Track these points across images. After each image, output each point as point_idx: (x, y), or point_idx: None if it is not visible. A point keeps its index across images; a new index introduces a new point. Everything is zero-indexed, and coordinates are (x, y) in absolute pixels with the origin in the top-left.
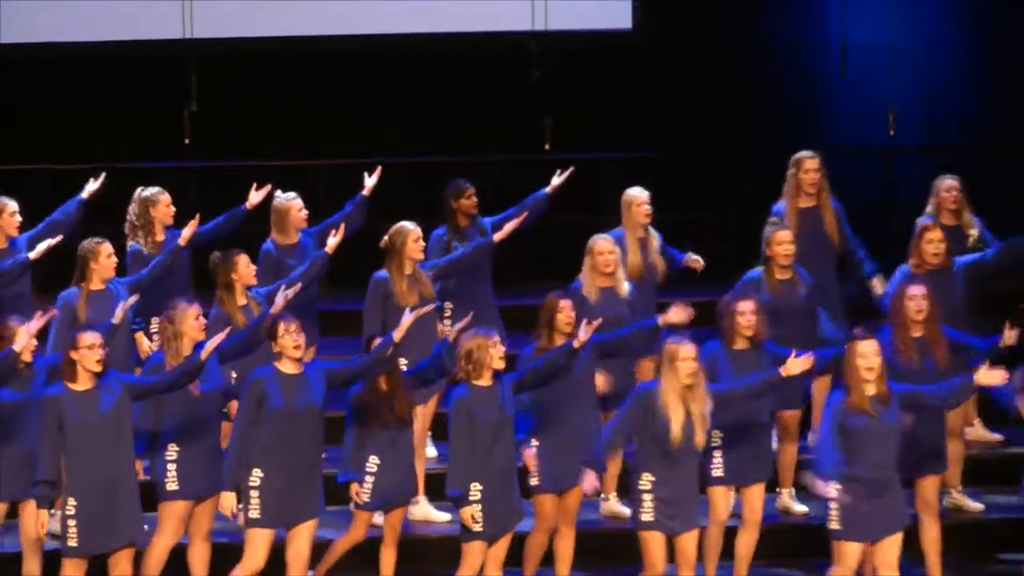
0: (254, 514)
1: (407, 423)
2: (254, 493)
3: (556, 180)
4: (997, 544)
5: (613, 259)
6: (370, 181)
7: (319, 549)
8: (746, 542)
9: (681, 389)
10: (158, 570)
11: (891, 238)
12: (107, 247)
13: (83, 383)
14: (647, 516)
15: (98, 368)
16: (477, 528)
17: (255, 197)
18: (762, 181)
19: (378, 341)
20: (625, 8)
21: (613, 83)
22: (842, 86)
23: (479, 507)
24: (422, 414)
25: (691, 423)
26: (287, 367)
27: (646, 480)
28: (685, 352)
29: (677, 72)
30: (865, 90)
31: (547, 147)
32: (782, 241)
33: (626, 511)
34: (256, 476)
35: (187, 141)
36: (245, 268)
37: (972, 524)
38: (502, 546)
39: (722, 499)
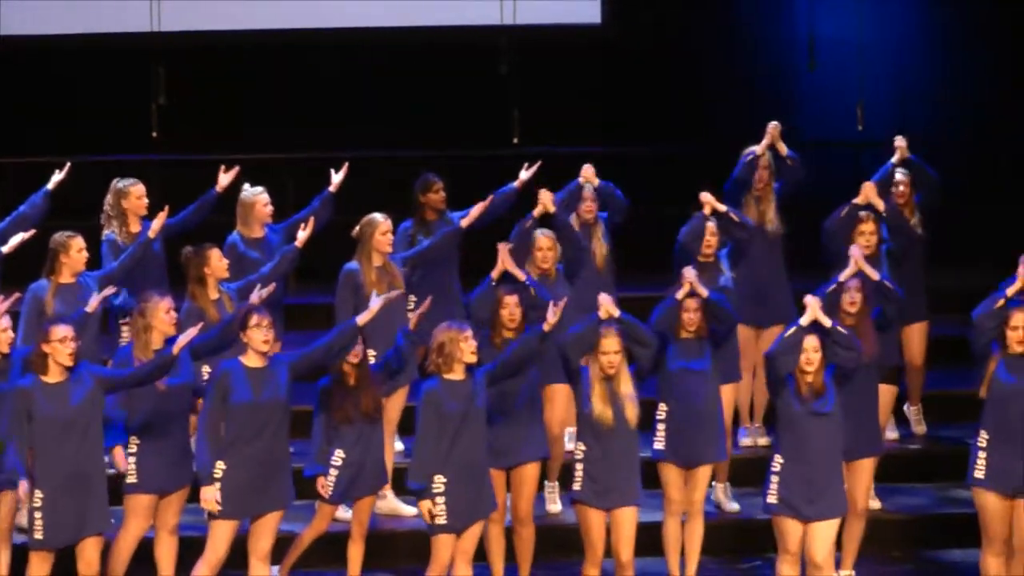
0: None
1: (374, 418)
2: (217, 485)
3: (524, 174)
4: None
5: (551, 255)
6: (337, 177)
7: (286, 543)
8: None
9: (604, 375)
10: (124, 562)
11: None
12: (79, 241)
13: (54, 376)
14: (576, 486)
15: (70, 362)
16: (439, 521)
17: (224, 179)
18: (729, 174)
19: None
20: (594, 3)
21: (582, 77)
22: (810, 81)
23: (441, 500)
24: (390, 408)
25: (619, 404)
26: (252, 361)
27: (578, 449)
28: (607, 345)
29: (646, 66)
30: (833, 85)
31: (516, 141)
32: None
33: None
34: (219, 468)
35: (154, 135)
36: (217, 262)
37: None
38: (470, 539)
39: (674, 482)
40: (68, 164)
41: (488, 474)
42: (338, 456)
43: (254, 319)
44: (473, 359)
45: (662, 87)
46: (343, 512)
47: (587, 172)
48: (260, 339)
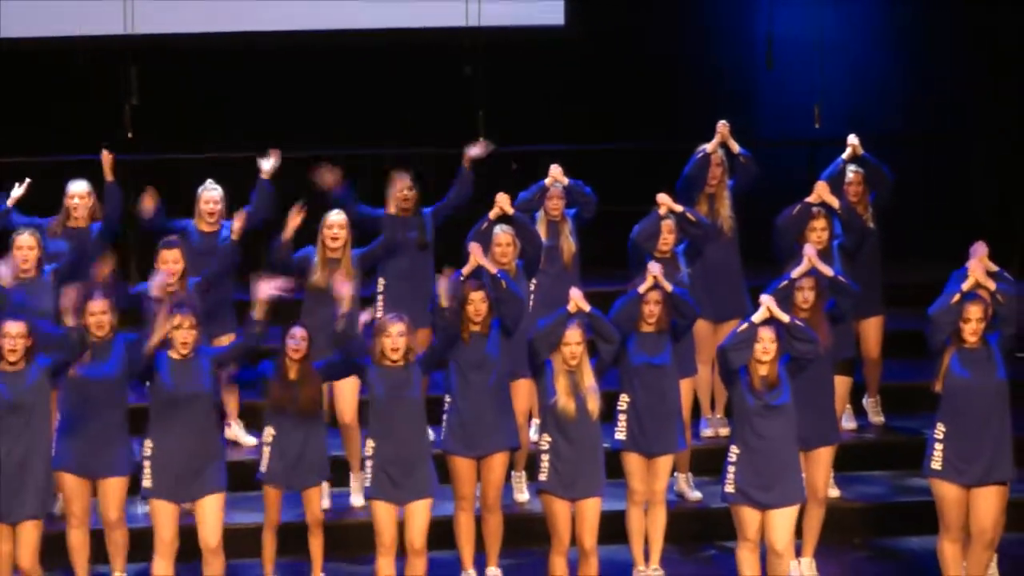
0: (147, 483)
1: (312, 413)
2: (147, 463)
3: (473, 151)
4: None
5: (510, 251)
6: (267, 164)
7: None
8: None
9: (567, 368)
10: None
11: None
12: (26, 238)
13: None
14: (542, 476)
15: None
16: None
17: (266, 165)
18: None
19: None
20: (558, 4)
21: (546, 77)
22: (769, 79)
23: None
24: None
25: (581, 396)
26: (176, 353)
27: (544, 441)
28: (569, 337)
29: (609, 66)
30: (791, 83)
31: (481, 139)
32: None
33: None
34: (147, 447)
35: (129, 135)
36: (170, 260)
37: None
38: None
39: (636, 472)
40: (28, 180)
41: (424, 460)
42: (268, 433)
43: (177, 319)
44: (395, 357)
45: (624, 87)
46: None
47: (555, 172)
48: (180, 340)
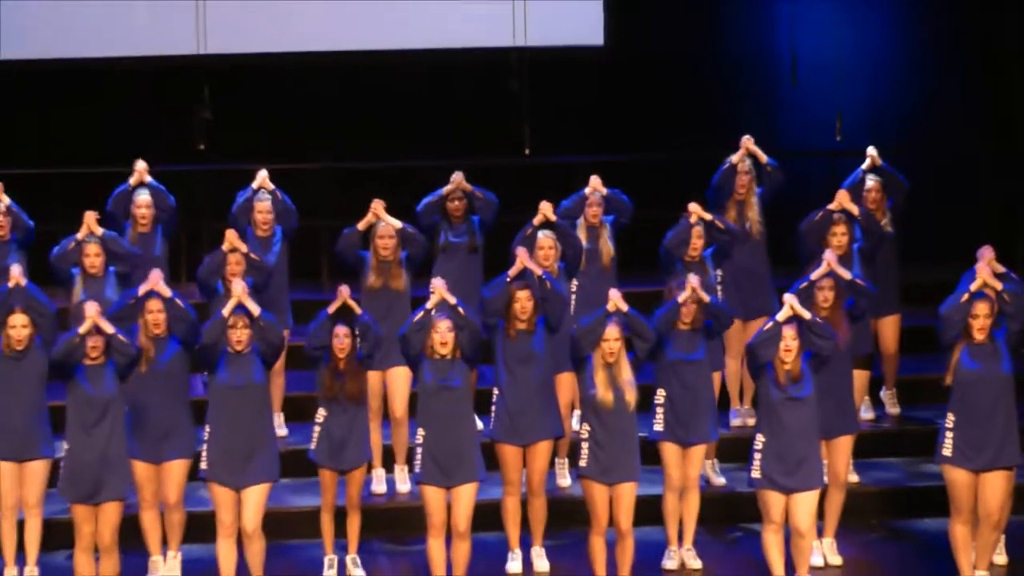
0: (204, 466)
1: (359, 401)
2: (205, 448)
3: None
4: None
5: (552, 254)
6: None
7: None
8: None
9: (606, 362)
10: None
11: None
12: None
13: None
14: (582, 463)
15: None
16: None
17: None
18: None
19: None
20: (597, 26)
21: (586, 93)
22: (793, 95)
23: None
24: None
25: (619, 388)
26: (232, 349)
27: (584, 430)
28: (608, 333)
29: (644, 83)
30: (814, 98)
31: (527, 152)
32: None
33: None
34: (206, 433)
35: (201, 147)
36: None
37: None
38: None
39: (672, 461)
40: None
41: (470, 445)
42: (320, 414)
43: (231, 319)
44: (443, 350)
45: (659, 102)
46: None
47: (595, 182)
48: (234, 338)
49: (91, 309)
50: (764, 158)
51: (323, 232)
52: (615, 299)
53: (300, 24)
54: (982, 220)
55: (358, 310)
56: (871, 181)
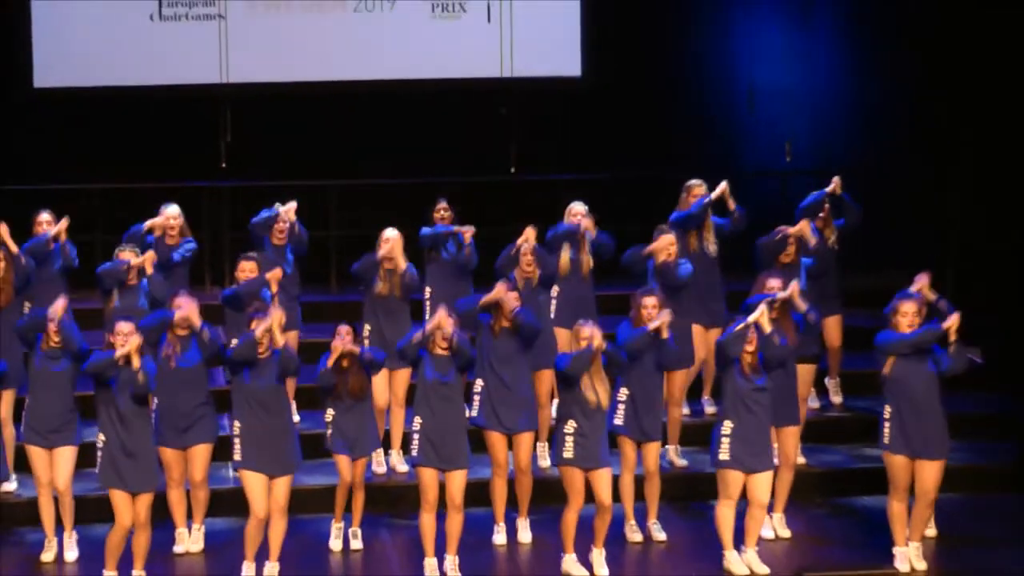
0: (237, 456)
1: (360, 398)
2: (236, 440)
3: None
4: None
5: (531, 269)
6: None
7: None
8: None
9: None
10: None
11: None
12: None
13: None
14: (568, 454)
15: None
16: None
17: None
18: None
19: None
20: (575, 59)
21: (566, 119)
22: (749, 121)
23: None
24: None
25: (596, 389)
26: None
27: (569, 426)
28: (585, 333)
29: (617, 110)
30: (768, 125)
31: (513, 170)
32: (669, 240)
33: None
34: (236, 427)
35: (223, 165)
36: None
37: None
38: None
39: (629, 449)
40: (66, 218)
41: (463, 432)
42: (329, 414)
43: (253, 323)
44: (443, 345)
45: (630, 127)
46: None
47: (587, 223)
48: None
49: (126, 328)
50: (733, 205)
51: (331, 241)
52: (597, 339)
53: (311, 56)
54: (917, 233)
55: (357, 351)
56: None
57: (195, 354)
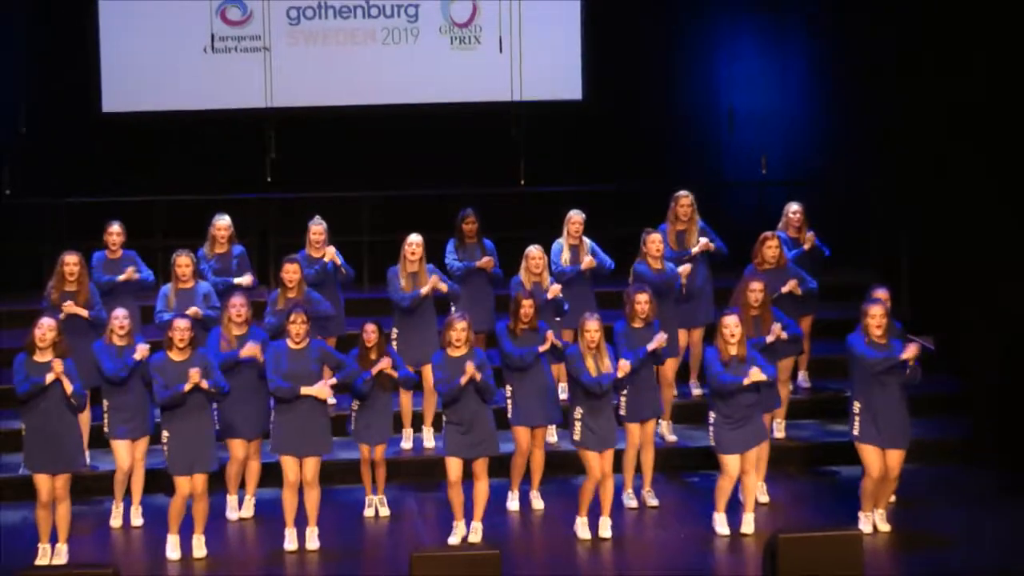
0: (274, 440)
1: (386, 388)
2: (273, 424)
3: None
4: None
5: (541, 263)
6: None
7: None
8: (646, 458)
9: (589, 351)
10: None
11: None
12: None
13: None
14: (577, 437)
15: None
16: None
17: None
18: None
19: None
20: (577, 85)
21: (569, 137)
22: (729, 139)
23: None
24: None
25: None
26: (292, 343)
27: (577, 412)
28: (589, 325)
29: (614, 129)
30: (745, 141)
31: (522, 183)
32: (654, 240)
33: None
34: (274, 412)
35: (269, 179)
36: (291, 271)
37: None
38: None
39: (632, 430)
40: (129, 269)
41: (488, 421)
42: (355, 403)
43: (292, 316)
44: (458, 344)
45: (625, 144)
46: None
47: (587, 262)
48: (294, 332)
49: (183, 324)
50: (713, 246)
51: (363, 245)
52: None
53: (345, 83)
54: (876, 234)
55: (395, 375)
56: (795, 206)
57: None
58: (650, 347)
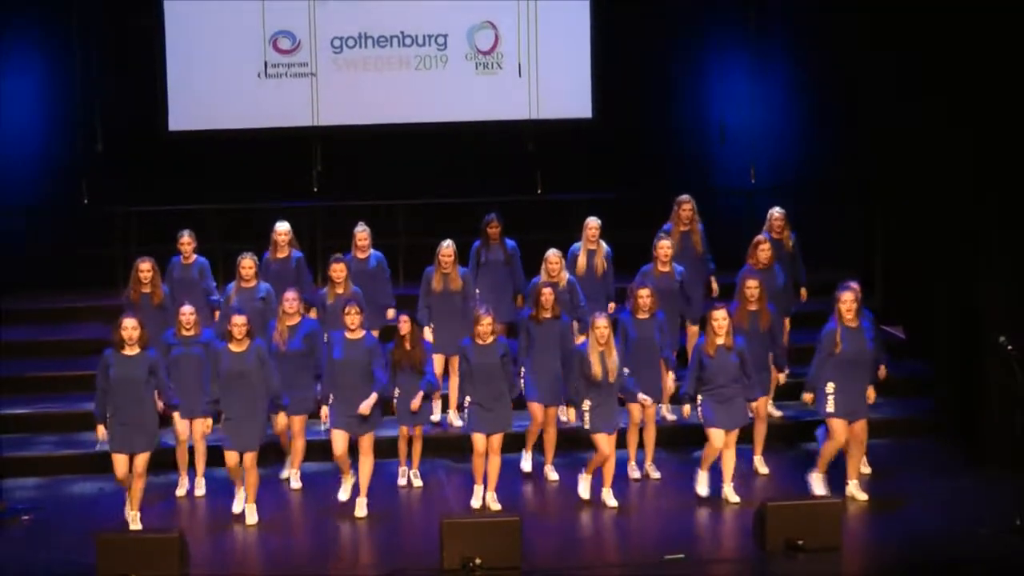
0: (326, 419)
1: (421, 372)
2: (326, 406)
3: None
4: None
5: (558, 265)
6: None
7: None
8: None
9: (599, 345)
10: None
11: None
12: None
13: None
14: (587, 425)
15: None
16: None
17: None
18: (667, 211)
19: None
20: (587, 104)
21: (580, 150)
22: (721, 150)
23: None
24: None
25: (606, 367)
26: (348, 332)
27: (586, 405)
28: (599, 323)
29: (620, 143)
30: (736, 153)
31: (539, 191)
32: (663, 246)
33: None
34: (330, 396)
35: (315, 189)
36: (338, 269)
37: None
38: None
39: (636, 411)
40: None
41: (506, 401)
42: (398, 388)
43: (346, 308)
44: (485, 335)
45: (630, 156)
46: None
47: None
48: (349, 323)
49: (240, 320)
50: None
51: (399, 248)
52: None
53: (382, 104)
54: (851, 234)
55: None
56: (778, 211)
57: (297, 342)
58: (640, 398)
